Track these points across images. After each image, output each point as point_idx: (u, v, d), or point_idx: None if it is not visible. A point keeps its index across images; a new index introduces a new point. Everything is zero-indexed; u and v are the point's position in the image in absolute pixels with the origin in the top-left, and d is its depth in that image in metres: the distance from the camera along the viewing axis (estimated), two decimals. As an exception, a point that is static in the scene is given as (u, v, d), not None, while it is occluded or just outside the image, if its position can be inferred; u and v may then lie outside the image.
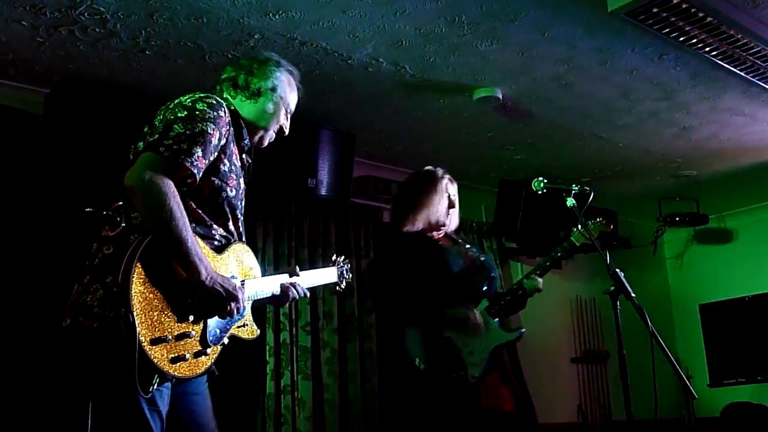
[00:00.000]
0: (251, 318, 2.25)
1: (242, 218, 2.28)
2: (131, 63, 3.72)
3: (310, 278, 2.51)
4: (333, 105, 4.39)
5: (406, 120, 4.67)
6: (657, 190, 6.25)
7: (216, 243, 2.13)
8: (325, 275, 2.64)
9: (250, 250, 2.26)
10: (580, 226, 3.14)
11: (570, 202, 2.82)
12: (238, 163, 2.23)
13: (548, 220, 5.43)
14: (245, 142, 2.27)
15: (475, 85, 4.16)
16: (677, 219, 6.44)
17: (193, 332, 1.99)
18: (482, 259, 3.23)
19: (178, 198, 1.94)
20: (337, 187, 4.57)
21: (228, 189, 2.15)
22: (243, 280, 2.17)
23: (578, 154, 5.37)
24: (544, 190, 2.93)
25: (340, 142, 4.59)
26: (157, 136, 1.99)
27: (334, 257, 2.75)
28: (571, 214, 2.83)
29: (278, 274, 2.36)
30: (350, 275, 2.80)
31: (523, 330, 3.11)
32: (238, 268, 2.18)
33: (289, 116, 2.42)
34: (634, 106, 4.51)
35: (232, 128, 2.18)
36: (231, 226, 2.20)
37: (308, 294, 2.40)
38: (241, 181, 2.24)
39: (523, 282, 3.16)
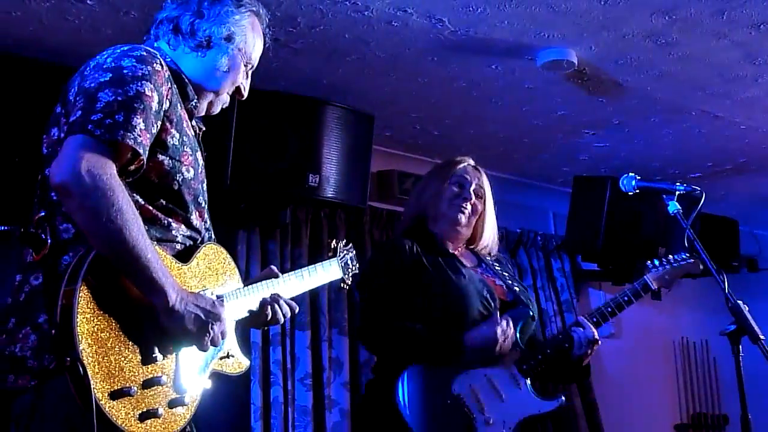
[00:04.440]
0: (236, 345, 2.30)
1: (207, 206, 2.33)
2: (66, 17, 3.74)
3: (298, 285, 2.56)
4: (343, 74, 4.39)
5: (443, 94, 4.66)
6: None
7: (179, 247, 2.17)
8: (321, 274, 2.69)
9: (224, 252, 2.31)
10: (660, 263, 3.21)
11: (673, 206, 2.82)
12: (191, 132, 2.27)
13: (642, 231, 5.40)
14: (193, 103, 2.30)
15: (540, 45, 4.16)
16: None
17: (164, 376, 2.02)
18: (517, 293, 3.27)
19: (126, 193, 1.96)
20: (348, 187, 4.56)
21: (183, 169, 2.18)
22: (221, 295, 2.22)
23: (684, 140, 5.35)
24: (637, 191, 2.94)
25: (354, 125, 4.61)
26: (79, 112, 2.00)
27: (333, 243, 2.81)
28: (675, 224, 2.81)
29: (257, 282, 2.41)
30: (357, 264, 2.87)
31: (562, 399, 3.11)
32: (212, 278, 2.24)
33: (250, 73, 2.44)
34: (761, 73, 4.49)
35: (174, 86, 2.20)
36: (195, 220, 2.24)
37: (295, 309, 2.44)
38: (198, 155, 2.28)
39: (570, 330, 3.17)
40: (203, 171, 2.31)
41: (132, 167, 2.03)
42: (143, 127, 2.01)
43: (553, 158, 5.64)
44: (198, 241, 2.24)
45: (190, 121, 2.30)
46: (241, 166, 4.24)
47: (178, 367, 2.08)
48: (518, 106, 4.85)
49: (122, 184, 1.95)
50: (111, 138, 1.95)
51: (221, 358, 2.24)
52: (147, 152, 2.04)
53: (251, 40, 2.38)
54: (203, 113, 2.39)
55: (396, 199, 5.29)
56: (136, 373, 1.96)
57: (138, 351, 1.97)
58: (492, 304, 3.14)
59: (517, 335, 3.11)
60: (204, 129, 2.39)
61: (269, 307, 2.36)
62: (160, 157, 2.11)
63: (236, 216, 4.54)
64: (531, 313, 3.20)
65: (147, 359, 1.99)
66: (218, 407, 2.21)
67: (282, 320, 2.40)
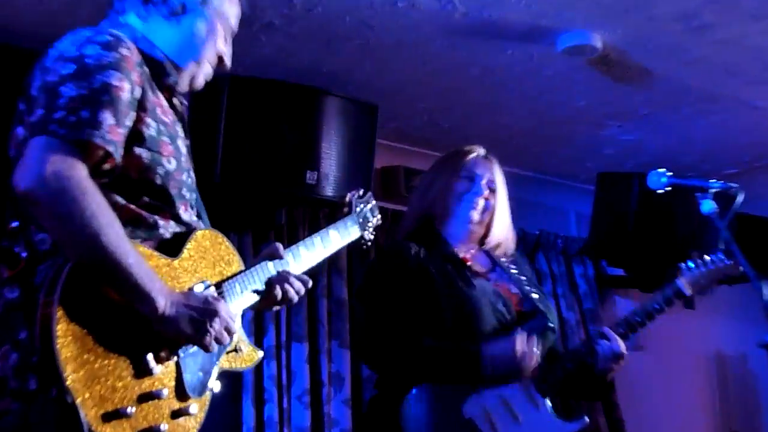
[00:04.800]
0: (245, 336, 2.31)
1: (197, 195, 2.34)
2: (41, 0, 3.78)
3: (310, 257, 2.55)
4: (344, 60, 4.41)
5: (454, 83, 4.68)
6: None
7: (168, 241, 2.17)
8: (335, 238, 2.66)
9: (219, 236, 2.30)
10: (695, 265, 3.16)
11: (707, 205, 2.82)
12: (169, 118, 2.25)
13: (673, 233, 5.37)
14: (171, 79, 2.29)
15: (560, 28, 4.17)
16: None
17: (164, 389, 2.03)
18: (535, 301, 3.23)
19: (99, 194, 1.95)
20: (349, 184, 4.38)
21: (164, 161, 2.17)
22: (220, 284, 2.23)
23: (719, 132, 5.36)
24: (667, 189, 2.94)
25: (355, 117, 4.62)
26: (41, 111, 1.99)
27: (348, 197, 2.82)
28: (709, 225, 2.82)
29: (261, 261, 2.41)
30: (378, 216, 2.88)
31: (586, 420, 3.09)
32: (208, 268, 2.24)
33: (230, 38, 2.44)
34: (806, 58, 4.49)
35: (146, 68, 2.18)
36: (183, 215, 2.24)
37: (308, 283, 2.44)
38: (180, 143, 2.27)
39: (596, 343, 3.11)
40: (187, 159, 2.30)
41: (106, 166, 2.02)
42: (113, 122, 1.99)
43: (575, 153, 5.65)
44: (187, 233, 2.22)
45: (170, 99, 2.29)
46: (232, 162, 4.23)
47: (180, 374, 2.08)
48: (536, 95, 4.85)
49: (95, 186, 1.94)
50: (76, 137, 1.94)
51: (228, 353, 2.25)
52: (121, 149, 2.03)
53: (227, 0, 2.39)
54: (186, 88, 2.37)
55: (402, 197, 5.26)
56: (132, 390, 1.96)
57: (131, 365, 1.97)
58: (507, 317, 3.12)
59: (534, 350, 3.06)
60: (187, 104, 2.38)
61: (277, 286, 2.36)
62: (138, 150, 2.10)
63: (226, 216, 4.47)
64: (550, 324, 3.16)
65: (142, 372, 1.99)
66: (206, 428, 2.19)
67: (295, 298, 2.39)
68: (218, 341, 2.09)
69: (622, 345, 3.11)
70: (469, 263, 3.25)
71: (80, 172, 1.93)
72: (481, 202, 3.26)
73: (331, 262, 5.02)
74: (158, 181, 2.15)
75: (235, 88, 4.27)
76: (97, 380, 1.89)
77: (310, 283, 2.46)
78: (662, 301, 3.21)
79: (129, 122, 2.06)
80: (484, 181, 3.29)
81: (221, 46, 2.39)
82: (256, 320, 4.63)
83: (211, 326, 2.05)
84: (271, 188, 4.43)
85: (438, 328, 3.04)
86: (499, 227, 3.31)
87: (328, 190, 4.52)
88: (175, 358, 2.08)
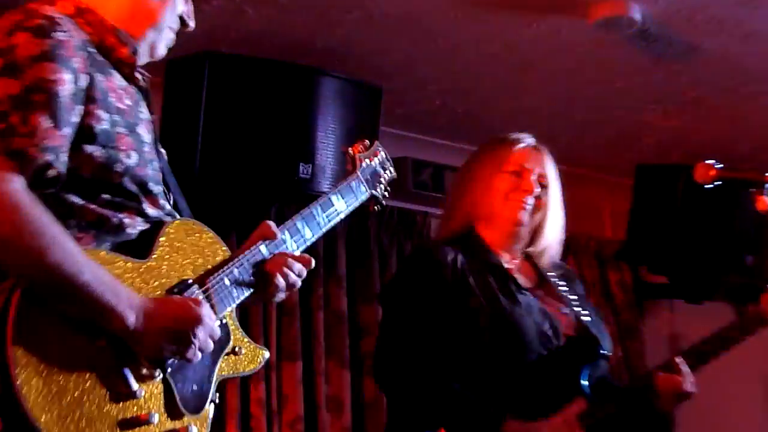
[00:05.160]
0: (242, 334, 2.31)
1: (165, 190, 2.32)
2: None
3: (311, 232, 2.53)
4: (343, 36, 4.41)
5: (471, 61, 4.67)
6: None
7: (137, 240, 2.15)
8: (340, 205, 2.65)
9: (196, 225, 2.28)
10: None
11: (764, 202, 2.78)
12: (127, 101, 2.21)
13: (724, 235, 5.36)
14: (128, 51, 2.25)
15: (593, -1, 4.11)
16: None
17: (154, 414, 2.02)
18: (586, 325, 3.18)
19: (40, 208, 1.93)
20: None
21: (122, 156, 2.14)
22: (204, 280, 2.20)
23: (778, 119, 5.33)
24: (718, 183, 2.88)
25: (356, 101, 4.62)
26: None
27: (350, 150, 2.78)
28: (766, 224, 2.80)
29: (250, 246, 2.37)
30: (391, 169, 2.88)
31: None
32: (186, 265, 2.21)
33: None
34: None
35: (91, 48, 2.15)
36: (151, 210, 2.22)
37: (311, 262, 2.42)
38: (142, 129, 2.24)
39: (656, 376, 3.05)
40: (152, 146, 2.28)
41: (50, 174, 1.99)
42: (50, 125, 1.97)
43: (611, 142, 5.67)
44: (158, 228, 2.21)
45: (130, 74, 2.26)
46: (213, 153, 4.22)
47: (171, 391, 2.08)
48: (566, 75, 4.86)
49: (34, 200, 1.92)
50: (7, 149, 1.92)
51: (227, 355, 2.25)
52: (63, 154, 2.00)
53: None
54: (146, 59, 2.35)
55: (410, 194, 5.26)
56: (114, 419, 1.95)
57: (110, 392, 1.95)
58: (554, 342, 3.05)
59: (583, 382, 3.03)
60: (147, 77, 2.33)
61: (276, 273, 2.34)
62: (89, 149, 2.08)
63: (206, 215, 4.45)
64: (602, 351, 3.11)
65: (125, 396, 1.98)
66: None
67: (297, 283, 2.38)
68: (203, 350, 2.09)
69: (690, 382, 3.02)
70: (514, 275, 3.20)
71: (15, 184, 1.91)
72: (530, 201, 3.20)
73: (328, 267, 5.02)
74: (116, 179, 2.14)
75: (217, 68, 4.25)
76: (72, 418, 1.88)
77: (313, 263, 2.43)
78: (745, 327, 3.10)
79: (75, 118, 2.04)
80: (533, 177, 3.21)
81: (180, 6, 2.37)
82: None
83: (194, 336, 2.05)
84: (258, 183, 4.43)
85: (474, 347, 3.00)
86: (551, 230, 3.26)
87: (325, 186, 4.49)
88: (160, 374, 2.06)
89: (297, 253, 2.43)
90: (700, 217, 5.33)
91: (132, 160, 2.16)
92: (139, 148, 2.19)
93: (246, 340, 2.33)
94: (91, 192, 2.09)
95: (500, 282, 3.11)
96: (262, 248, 2.37)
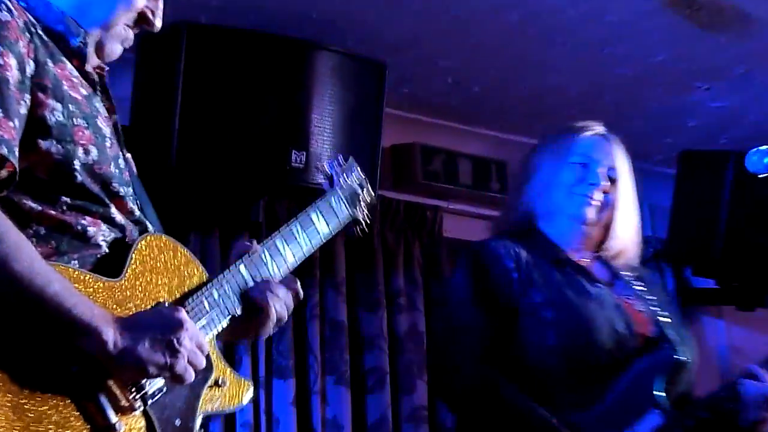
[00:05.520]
0: (225, 364, 2.31)
1: (140, 187, 2.35)
2: None
3: (291, 254, 2.55)
4: (342, 6, 4.45)
5: (486, 34, 4.68)
6: None
7: (104, 254, 2.15)
8: (321, 224, 2.67)
9: (170, 242, 2.29)
10: None
11: None
12: (82, 92, 2.21)
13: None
14: (79, 41, 2.24)
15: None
16: None
17: None
18: (664, 326, 3.19)
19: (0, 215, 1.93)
20: None
21: (80, 152, 2.13)
22: (181, 303, 2.21)
23: None
24: (773, 172, 2.93)
25: (357, 79, 4.66)
26: None
27: (325, 165, 2.86)
28: None
29: (229, 269, 2.38)
30: (368, 188, 2.92)
31: None
32: (161, 286, 2.23)
33: None
34: None
35: (39, 31, 2.15)
36: (117, 216, 2.21)
37: (300, 293, 2.47)
38: (102, 122, 2.23)
39: (737, 384, 3.09)
40: (115, 142, 2.28)
41: (2, 174, 1.99)
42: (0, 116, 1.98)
43: (649, 125, 5.69)
44: (129, 242, 2.21)
45: (81, 67, 2.26)
46: (193, 141, 4.25)
47: (153, 428, 2.08)
48: (597, 49, 4.91)
49: None
50: None
51: (210, 387, 2.25)
52: (16, 147, 2.01)
53: None
54: (96, 60, 2.34)
55: (419, 185, 5.32)
56: None
57: (86, 425, 1.97)
58: (629, 342, 3.11)
59: (657, 392, 3.07)
60: (106, 70, 2.35)
61: (259, 300, 2.36)
62: (44, 144, 2.08)
63: (185, 211, 4.51)
64: (682, 358, 3.13)
65: (102, 430, 1.98)
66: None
67: (285, 316, 2.40)
68: (193, 364, 2.08)
69: None
70: (584, 266, 3.29)
71: None
72: (599, 196, 3.23)
73: (325, 270, 5.03)
74: (77, 179, 2.14)
75: (197, 41, 4.27)
76: None
77: (301, 294, 2.50)
78: None
79: (24, 109, 2.05)
80: (602, 169, 3.27)
81: (142, 1, 2.34)
82: (225, 348, 4.60)
83: (180, 344, 2.04)
84: (244, 174, 4.48)
85: (539, 353, 3.08)
86: (623, 229, 3.29)
87: (320, 176, 4.40)
88: (141, 405, 2.06)
89: (278, 279, 2.47)
90: (752, 212, 5.33)
91: (92, 154, 2.16)
92: (99, 142, 2.19)
93: (229, 371, 2.33)
94: (49, 195, 2.10)
95: (567, 274, 3.21)
96: (242, 269, 2.40)
